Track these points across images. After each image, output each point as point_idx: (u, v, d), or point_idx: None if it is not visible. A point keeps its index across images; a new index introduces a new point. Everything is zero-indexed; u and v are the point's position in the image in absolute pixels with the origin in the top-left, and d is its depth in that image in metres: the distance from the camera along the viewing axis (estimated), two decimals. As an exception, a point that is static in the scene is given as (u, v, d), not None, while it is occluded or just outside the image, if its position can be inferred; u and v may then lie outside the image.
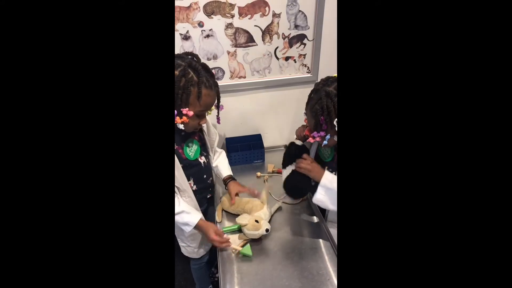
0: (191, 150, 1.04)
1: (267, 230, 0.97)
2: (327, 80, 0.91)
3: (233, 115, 1.41)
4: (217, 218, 1.11)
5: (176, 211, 0.96)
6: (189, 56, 0.89)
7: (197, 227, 0.99)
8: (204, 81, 0.85)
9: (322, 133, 0.88)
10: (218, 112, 0.98)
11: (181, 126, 0.89)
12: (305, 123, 1.01)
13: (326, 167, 0.99)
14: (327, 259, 0.93)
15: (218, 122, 1.00)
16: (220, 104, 0.97)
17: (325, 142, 0.89)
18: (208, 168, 1.12)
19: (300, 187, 0.96)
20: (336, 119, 0.84)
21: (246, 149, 1.39)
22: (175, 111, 0.86)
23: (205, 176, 1.11)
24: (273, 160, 1.40)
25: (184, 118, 0.86)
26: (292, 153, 1.01)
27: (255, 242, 1.00)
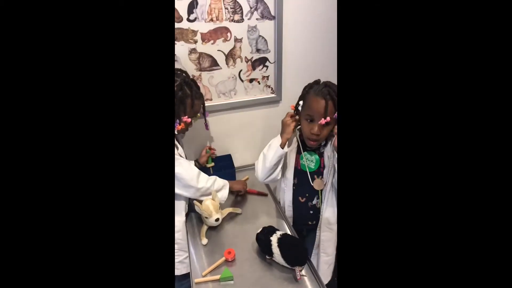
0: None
1: (216, 220, 1.09)
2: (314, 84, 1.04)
3: (201, 137, 1.41)
4: (203, 241, 1.08)
5: (209, 183, 1.11)
6: (183, 74, 1.09)
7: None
8: (194, 93, 1.06)
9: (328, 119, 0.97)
10: (205, 119, 1.20)
11: (177, 132, 1.09)
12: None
13: (317, 176, 1.11)
14: None
15: (207, 128, 1.23)
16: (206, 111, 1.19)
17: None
18: None
19: (296, 255, 0.92)
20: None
21: (216, 170, 1.39)
22: (175, 119, 1.04)
23: None
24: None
25: (183, 124, 1.06)
26: (263, 238, 0.97)
27: (230, 264, 0.99)
